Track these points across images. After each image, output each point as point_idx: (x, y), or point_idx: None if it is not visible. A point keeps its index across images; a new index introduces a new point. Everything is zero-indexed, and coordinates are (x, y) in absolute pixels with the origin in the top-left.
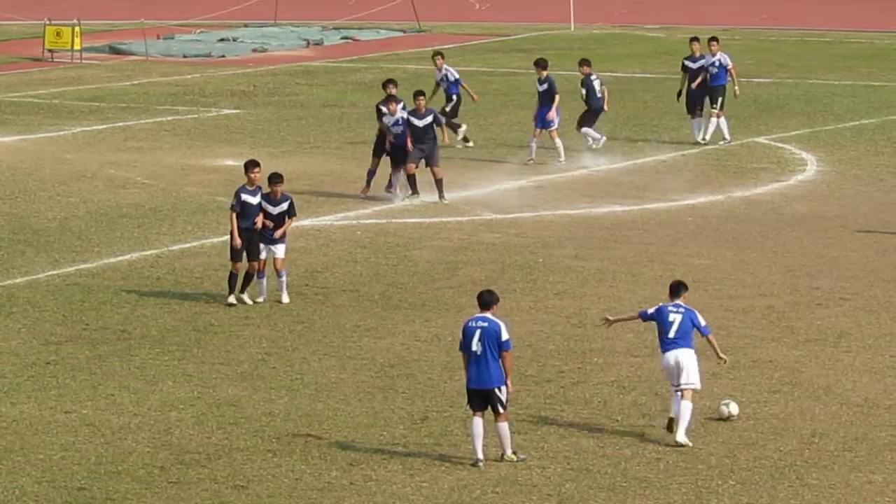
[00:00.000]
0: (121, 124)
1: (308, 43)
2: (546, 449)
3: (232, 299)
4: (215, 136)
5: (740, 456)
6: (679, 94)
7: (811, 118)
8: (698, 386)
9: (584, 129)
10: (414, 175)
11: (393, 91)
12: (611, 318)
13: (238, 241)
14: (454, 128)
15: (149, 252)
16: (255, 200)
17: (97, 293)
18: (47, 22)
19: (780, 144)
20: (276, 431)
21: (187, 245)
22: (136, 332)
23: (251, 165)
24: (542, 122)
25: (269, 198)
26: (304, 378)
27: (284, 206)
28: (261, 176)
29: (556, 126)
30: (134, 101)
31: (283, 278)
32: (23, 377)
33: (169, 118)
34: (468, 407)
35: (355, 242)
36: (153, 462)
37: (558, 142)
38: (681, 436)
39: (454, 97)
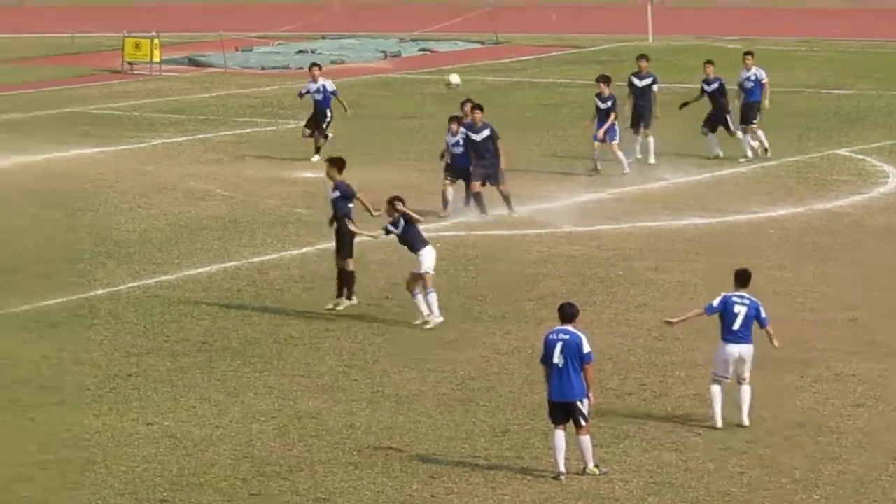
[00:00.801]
0: (200, 136)
1: (386, 55)
2: (628, 462)
3: (332, 303)
4: (294, 148)
5: (824, 470)
6: (683, 105)
7: (893, 130)
8: None
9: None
10: (479, 193)
11: (467, 110)
12: (673, 319)
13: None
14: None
15: (229, 264)
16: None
17: (178, 305)
18: (126, 34)
19: (861, 156)
20: (357, 444)
21: (267, 257)
22: (217, 344)
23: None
24: (604, 136)
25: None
26: (384, 390)
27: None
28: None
29: (617, 140)
30: (213, 113)
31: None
32: (105, 389)
33: (248, 130)
34: (549, 420)
35: (435, 255)
36: (235, 474)
37: (620, 154)
38: (745, 418)
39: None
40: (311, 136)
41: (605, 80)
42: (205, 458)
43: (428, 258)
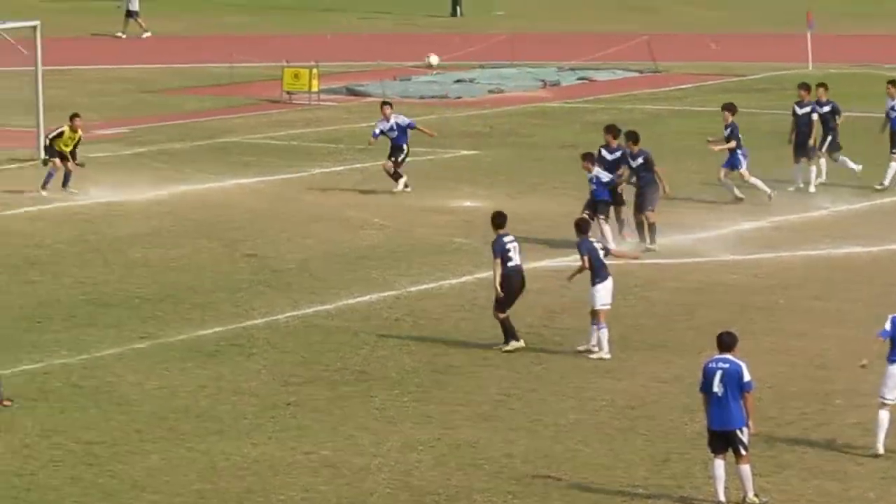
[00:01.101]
0: (358, 165)
1: (544, 83)
2: (789, 492)
3: (512, 346)
4: (452, 178)
5: None
6: (790, 139)
7: None
8: None
9: None
10: (653, 224)
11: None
12: (864, 361)
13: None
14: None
15: (387, 293)
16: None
17: (336, 334)
18: (285, 64)
19: None
20: (515, 473)
21: (425, 286)
22: (375, 374)
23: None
24: (730, 163)
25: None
26: (543, 419)
27: None
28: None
29: (742, 167)
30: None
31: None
32: (264, 418)
33: (406, 159)
34: (709, 449)
35: None
36: (394, 503)
37: (754, 180)
38: None
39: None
40: (395, 171)
41: (727, 107)
42: (363, 487)
43: (599, 293)
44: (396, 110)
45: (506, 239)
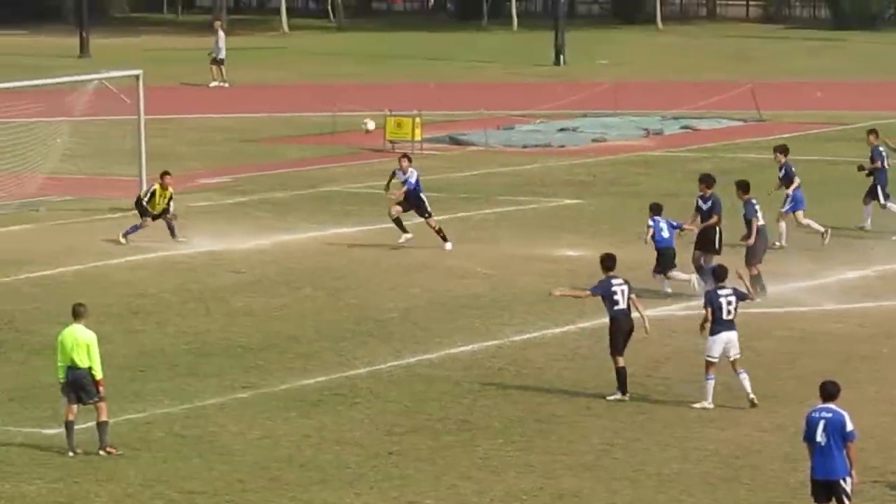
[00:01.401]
0: (461, 214)
1: (647, 132)
2: None
3: (614, 397)
4: (555, 226)
5: None
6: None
7: None
8: None
9: None
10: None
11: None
12: None
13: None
14: None
15: (490, 343)
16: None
17: (439, 383)
18: (388, 113)
19: None
20: None
21: (528, 336)
22: (478, 423)
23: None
24: (793, 206)
25: None
26: (646, 469)
27: None
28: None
29: (800, 209)
30: (474, 192)
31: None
32: (366, 467)
33: (509, 208)
34: (812, 498)
35: (696, 333)
36: None
37: (808, 221)
38: None
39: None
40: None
41: (780, 149)
42: None
43: (712, 344)
44: (499, 160)
45: (614, 281)
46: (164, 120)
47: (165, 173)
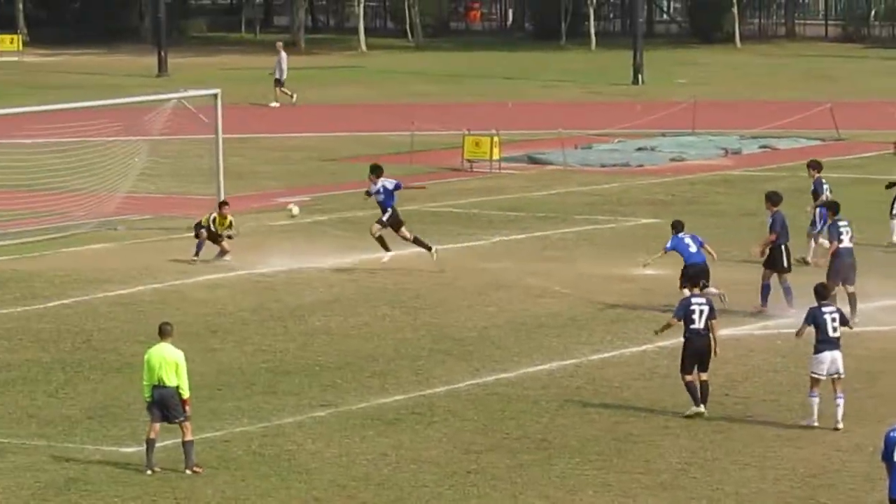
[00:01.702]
0: (539, 234)
1: (726, 152)
2: None
3: (691, 411)
4: (633, 246)
5: None
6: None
7: None
8: None
9: None
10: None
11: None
12: None
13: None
14: None
15: (567, 361)
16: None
17: (517, 402)
18: (466, 132)
19: None
20: None
21: (606, 355)
22: (555, 442)
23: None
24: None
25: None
26: (723, 488)
27: None
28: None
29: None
30: (552, 211)
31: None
32: (443, 486)
33: (587, 227)
34: None
35: (775, 352)
36: None
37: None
38: None
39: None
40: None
41: (812, 165)
42: None
43: (818, 362)
44: (577, 179)
45: (694, 300)
46: (241, 139)
47: (224, 203)
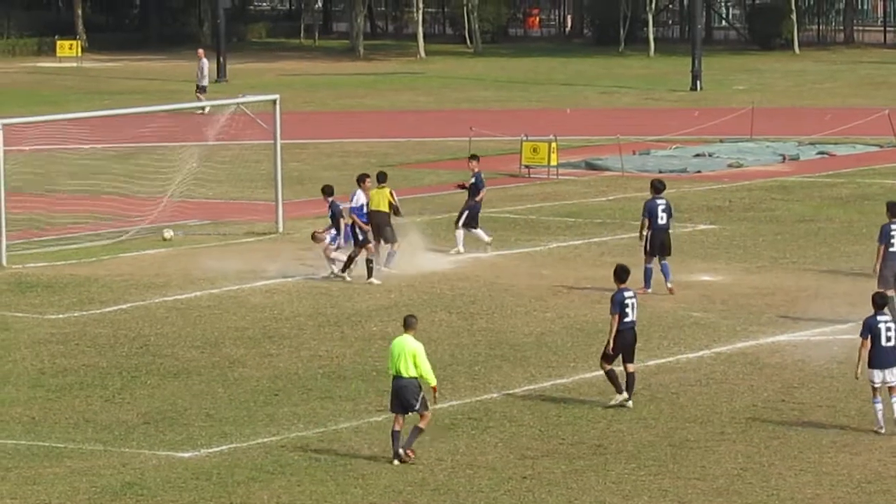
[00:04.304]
0: (596, 240)
1: (784, 158)
2: None
3: (615, 400)
4: (690, 252)
5: None
6: None
7: None
8: None
9: None
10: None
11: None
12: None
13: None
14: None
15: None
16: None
17: (573, 408)
18: (524, 138)
19: None
20: None
21: (663, 360)
22: (611, 447)
23: None
24: None
25: None
26: (779, 494)
27: None
28: None
29: None
30: (610, 217)
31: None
32: (499, 492)
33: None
34: None
35: (832, 358)
36: None
37: None
38: None
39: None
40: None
41: None
42: None
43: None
44: (634, 185)
45: (626, 294)
46: (300, 144)
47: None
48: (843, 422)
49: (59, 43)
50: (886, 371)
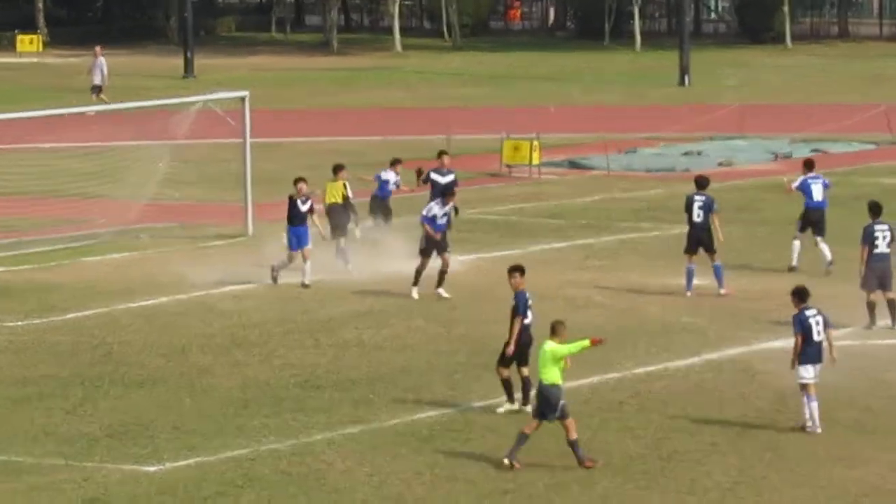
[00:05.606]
0: (580, 242)
1: (776, 156)
2: None
3: (505, 408)
4: (679, 255)
5: None
6: None
7: None
8: None
9: None
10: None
11: None
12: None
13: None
14: None
15: (610, 375)
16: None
17: None
18: (505, 137)
19: None
20: None
21: (651, 368)
22: (597, 459)
23: None
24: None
25: None
26: None
27: None
28: None
29: None
30: (594, 218)
31: None
32: None
33: (631, 235)
34: None
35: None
36: None
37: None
38: None
39: None
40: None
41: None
42: None
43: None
44: (620, 185)
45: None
46: (271, 144)
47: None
48: (838, 432)
49: (19, 37)
50: (818, 366)
